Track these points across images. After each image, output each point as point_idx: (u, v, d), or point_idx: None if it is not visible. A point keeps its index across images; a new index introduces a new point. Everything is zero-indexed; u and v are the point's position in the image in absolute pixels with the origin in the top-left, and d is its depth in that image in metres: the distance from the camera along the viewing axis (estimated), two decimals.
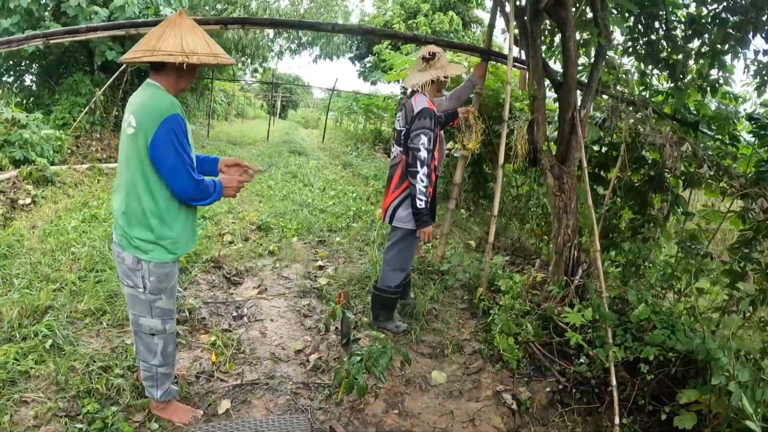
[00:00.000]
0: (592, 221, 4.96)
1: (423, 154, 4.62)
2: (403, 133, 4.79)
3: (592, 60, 5.54)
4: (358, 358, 3.89)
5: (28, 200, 8.15)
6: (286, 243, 7.74)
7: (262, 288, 6.17)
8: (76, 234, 6.87)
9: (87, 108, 12.44)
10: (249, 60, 20.00)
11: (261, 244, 7.56)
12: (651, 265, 5.77)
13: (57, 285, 5.44)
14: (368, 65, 22.81)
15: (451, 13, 19.89)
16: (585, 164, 5.22)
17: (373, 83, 23.06)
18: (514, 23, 5.56)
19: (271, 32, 19.42)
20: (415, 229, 4.84)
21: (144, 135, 3.06)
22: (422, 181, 4.66)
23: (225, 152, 16.62)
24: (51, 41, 5.91)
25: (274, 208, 9.59)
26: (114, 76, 12.92)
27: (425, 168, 4.66)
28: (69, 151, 11.21)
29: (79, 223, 7.36)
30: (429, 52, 4.84)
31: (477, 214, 9.98)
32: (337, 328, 5.18)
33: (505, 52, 5.91)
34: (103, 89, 12.80)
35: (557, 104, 5.55)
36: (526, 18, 5.31)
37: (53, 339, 4.41)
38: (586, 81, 5.53)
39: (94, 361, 4.23)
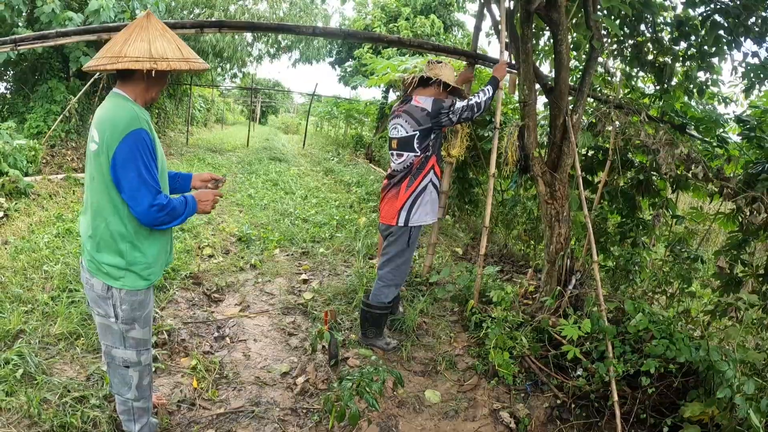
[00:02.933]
0: (588, 230, 4.87)
1: (474, 107, 4.71)
2: (416, 137, 4.75)
3: (584, 63, 5.49)
4: (349, 383, 3.69)
5: (0, 214, 7.85)
6: (269, 255, 7.55)
7: (244, 305, 5.97)
8: (49, 250, 6.61)
9: (62, 116, 12.17)
10: (227, 64, 19.76)
11: (242, 257, 7.37)
12: (640, 269, 5.69)
13: (29, 307, 5.19)
14: (349, 70, 22.66)
15: (432, 16, 19.74)
16: (579, 171, 5.13)
17: (354, 88, 22.91)
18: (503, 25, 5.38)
19: (249, 36, 19.19)
20: (431, 222, 5.00)
21: (106, 152, 2.76)
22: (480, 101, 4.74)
23: (204, 159, 16.42)
24: (20, 47, 5.66)
25: (255, 218, 9.41)
26: (89, 83, 12.67)
27: (482, 106, 4.75)
28: (44, 161, 10.93)
29: (52, 238, 7.10)
30: (436, 60, 4.93)
31: (462, 220, 9.84)
32: (324, 347, 4.99)
33: (491, 55, 5.79)
34: (77, 96, 12.54)
35: (547, 109, 5.52)
36: (515, 20, 5.27)
37: (24, 367, 4.17)
38: (577, 85, 5.43)
39: (69, 391, 3.99)
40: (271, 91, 41.19)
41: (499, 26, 5.27)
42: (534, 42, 6.13)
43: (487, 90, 4.82)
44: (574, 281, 5.14)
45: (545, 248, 5.38)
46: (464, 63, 6.57)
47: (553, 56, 5.20)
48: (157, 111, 19.62)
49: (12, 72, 13.80)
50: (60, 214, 8.34)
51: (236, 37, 18.12)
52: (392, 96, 18.94)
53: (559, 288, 5.02)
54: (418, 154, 4.77)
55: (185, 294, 6.06)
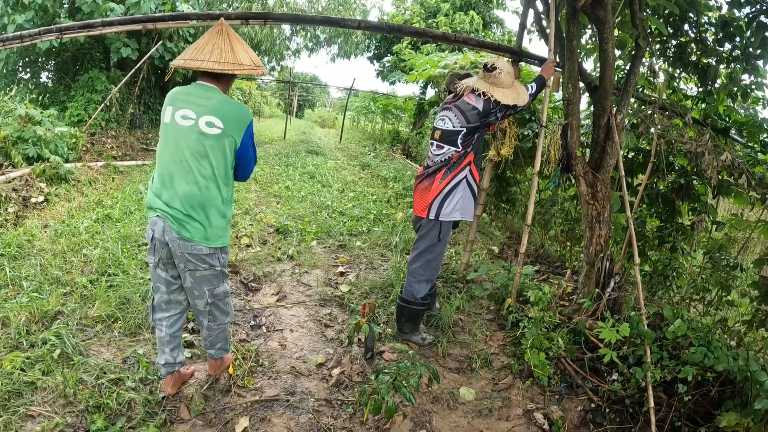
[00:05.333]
0: (630, 232, 4.84)
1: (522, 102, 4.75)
2: (462, 133, 4.68)
3: (628, 62, 5.40)
4: (387, 377, 3.64)
5: (41, 198, 7.93)
6: (306, 247, 7.50)
7: (281, 295, 5.92)
8: (89, 235, 6.64)
9: (102, 105, 12.29)
10: (265, 58, 19.77)
11: (279, 248, 7.32)
12: (678, 275, 5.59)
13: (67, 289, 5.21)
14: (387, 65, 22.52)
15: (471, 12, 19.49)
16: (622, 172, 5.04)
17: (392, 83, 22.79)
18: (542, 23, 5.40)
19: (287, 29, 19.20)
20: (468, 219, 4.92)
21: (232, 137, 3.44)
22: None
23: None
24: (65, 36, 5.64)
25: (292, 209, 9.37)
26: (130, 74, 12.77)
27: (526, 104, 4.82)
28: (84, 149, 11.02)
29: (91, 223, 7.14)
30: (492, 65, 4.73)
31: (498, 219, 9.71)
32: (360, 340, 4.94)
33: (532, 52, 5.74)
34: (119, 86, 12.66)
35: (589, 108, 5.44)
36: (559, 18, 5.19)
37: (62, 348, 4.17)
38: (621, 84, 5.32)
39: (105, 373, 3.99)
40: (308, 85, 41.27)
41: (544, 23, 5.24)
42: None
43: (531, 87, 4.81)
44: (612, 284, 5.01)
45: (584, 249, 5.30)
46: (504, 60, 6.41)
47: (598, 54, 5.12)
48: None
49: (53, 62, 13.94)
50: (100, 200, 8.40)
51: (275, 30, 18.15)
52: (430, 92, 18.83)
53: (597, 290, 4.93)
54: (459, 149, 4.71)
55: None
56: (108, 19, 5.66)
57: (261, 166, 13.93)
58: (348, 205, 10.19)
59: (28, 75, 13.79)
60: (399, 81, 19.81)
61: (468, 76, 5.79)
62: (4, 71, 12.90)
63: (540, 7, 5.73)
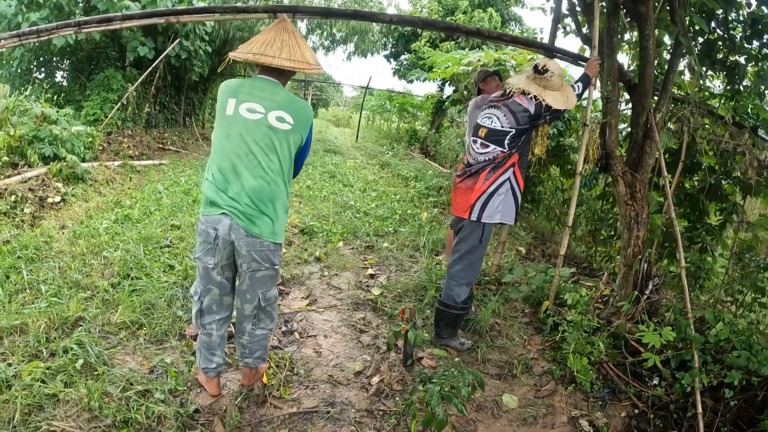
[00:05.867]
0: (675, 233, 4.86)
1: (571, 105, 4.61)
2: (510, 134, 4.53)
3: (667, 60, 5.37)
4: (436, 387, 3.43)
5: (58, 198, 7.71)
6: (332, 248, 7.23)
7: (311, 299, 5.66)
8: (108, 236, 6.38)
9: (119, 104, 12.13)
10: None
11: (306, 249, 7.05)
12: (707, 276, 5.60)
13: (88, 293, 4.96)
14: (404, 63, 22.29)
15: (490, 9, 19.24)
16: (665, 173, 5.06)
17: (410, 82, 22.58)
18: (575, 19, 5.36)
19: (303, 27, 18.95)
20: (509, 222, 4.78)
21: (300, 133, 3.43)
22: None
23: None
24: (83, 30, 5.43)
25: (316, 209, 9.10)
26: (147, 72, 12.62)
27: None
28: (100, 148, 10.83)
29: (110, 224, 6.89)
30: (544, 67, 4.53)
31: (522, 218, 9.49)
32: (397, 346, 4.69)
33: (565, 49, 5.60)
34: (135, 85, 12.52)
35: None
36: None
37: (85, 357, 3.90)
38: (659, 82, 5.26)
39: (131, 384, 3.72)
40: (322, 84, 41.10)
41: (579, 18, 5.18)
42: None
43: (578, 87, 4.67)
44: (651, 286, 4.95)
45: (622, 251, 5.20)
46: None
47: (636, 52, 5.11)
48: (210, 102, 19.55)
49: (68, 61, 13.81)
50: (118, 201, 8.17)
51: None
52: (447, 90, 18.62)
53: (636, 293, 4.86)
54: (505, 150, 4.55)
55: None
56: (128, 12, 5.44)
57: None
58: (371, 204, 9.95)
59: (43, 74, 13.63)
60: (418, 79, 19.55)
61: (496, 73, 6.04)
62: (19, 70, 12.73)
63: (564, 3, 5.81)
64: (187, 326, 4.62)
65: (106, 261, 5.69)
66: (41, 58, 13.03)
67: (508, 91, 4.62)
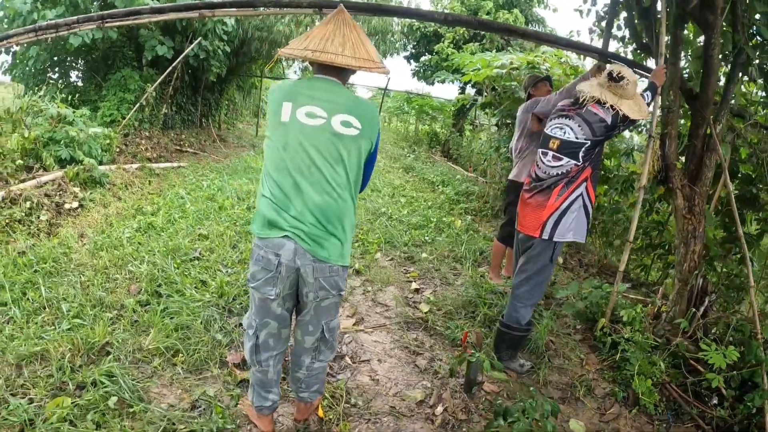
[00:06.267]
0: (743, 248, 4.84)
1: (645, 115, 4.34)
2: (586, 146, 4.22)
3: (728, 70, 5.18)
4: (518, 422, 3.24)
5: (75, 204, 7.26)
6: (371, 259, 6.74)
7: (357, 317, 5.19)
8: (132, 247, 5.91)
9: (138, 105, 11.75)
10: None
11: None
12: (746, 287, 5.36)
13: (114, 313, 4.48)
14: (425, 64, 21.85)
15: (515, 11, 18.78)
16: (731, 187, 4.98)
17: (431, 84, 22.14)
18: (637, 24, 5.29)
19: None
20: (580, 241, 4.49)
21: (368, 139, 2.97)
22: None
23: None
24: (107, 24, 5.01)
25: None
26: (166, 72, 12.28)
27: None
28: (117, 150, 10.42)
29: (133, 233, 6.43)
30: (619, 74, 4.22)
31: None
32: (460, 372, 4.31)
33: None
34: (155, 85, 12.19)
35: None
36: (654, 19, 5.04)
37: (117, 392, 3.41)
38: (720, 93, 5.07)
39: (173, 424, 3.25)
40: None
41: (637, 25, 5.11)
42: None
43: (647, 96, 4.42)
44: (707, 302, 4.73)
45: (677, 266, 5.03)
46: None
47: (703, 60, 4.85)
48: (227, 103, 19.19)
49: (83, 61, 13.47)
50: (139, 207, 7.71)
51: (309, 28, 17.47)
52: (470, 92, 18.22)
53: (693, 310, 4.68)
54: (579, 163, 4.23)
55: None
56: (158, 5, 5.01)
57: None
58: (403, 211, 9.49)
59: (57, 74, 13.27)
60: (444, 81, 19.09)
61: (547, 78, 6.10)
62: (33, 70, 12.37)
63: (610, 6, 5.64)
64: (228, 352, 4.14)
65: (131, 275, 5.23)
66: (55, 58, 12.68)
67: (582, 99, 4.29)
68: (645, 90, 4.45)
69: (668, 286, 5.96)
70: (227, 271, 5.62)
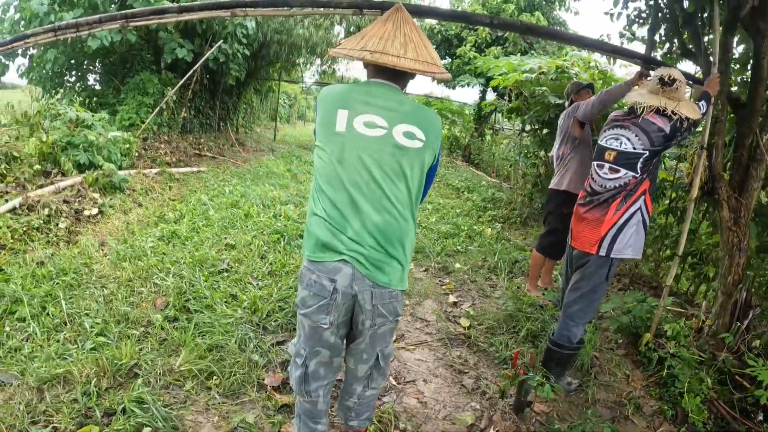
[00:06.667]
0: None
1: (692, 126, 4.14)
2: (644, 157, 4.03)
3: None
4: None
5: (95, 211, 7.00)
6: None
7: (398, 334, 4.89)
8: (156, 258, 5.63)
9: (158, 108, 11.58)
10: (318, 60, 19.00)
11: None
12: None
13: (140, 330, 4.19)
14: (447, 68, 21.65)
15: (537, 13, 18.53)
16: None
17: (451, 87, 21.97)
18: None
19: (342, 32, 18.31)
20: (637, 257, 4.28)
21: (432, 151, 2.66)
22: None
23: (300, 157, 15.78)
24: (131, 23, 4.73)
25: None
26: (187, 75, 12.15)
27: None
28: (136, 155, 10.20)
29: (156, 242, 6.16)
30: (670, 77, 4.08)
31: None
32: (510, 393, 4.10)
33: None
34: (176, 89, 12.07)
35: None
36: (698, 25, 5.00)
37: (149, 420, 3.11)
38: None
39: None
40: None
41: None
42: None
43: (702, 105, 4.24)
44: (751, 316, 4.65)
45: (720, 279, 4.93)
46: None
47: (751, 69, 4.82)
48: (244, 106, 19.00)
49: (101, 64, 13.41)
50: (161, 214, 7.45)
51: (329, 32, 17.24)
52: (490, 95, 18.04)
53: (738, 324, 4.60)
54: (637, 175, 4.04)
55: None
56: (186, 4, 4.75)
57: None
58: (431, 219, 9.24)
59: (75, 78, 13.18)
60: (468, 85, 18.87)
61: (590, 86, 6.00)
62: (50, 73, 12.23)
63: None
64: (266, 374, 3.83)
65: (156, 288, 4.94)
66: (73, 61, 12.58)
67: (638, 108, 4.09)
68: (699, 100, 4.28)
69: (710, 299, 5.90)
70: (258, 284, 5.33)
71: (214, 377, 3.69)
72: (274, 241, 6.63)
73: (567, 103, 6.13)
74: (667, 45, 5.89)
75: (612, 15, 6.22)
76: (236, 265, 5.72)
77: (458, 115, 21.33)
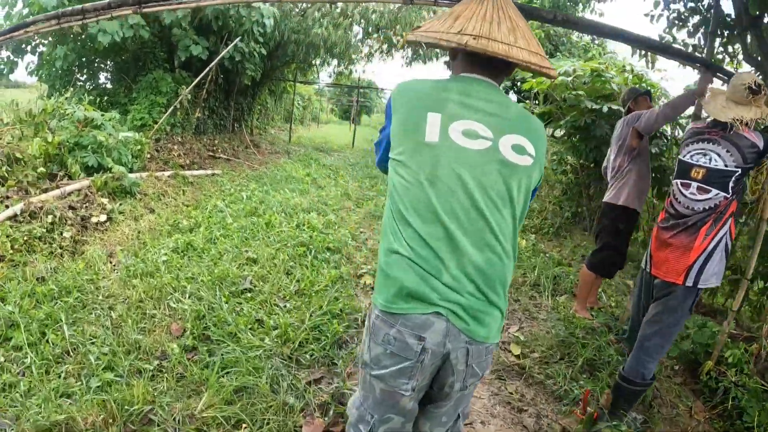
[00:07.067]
0: None
1: None
2: (736, 175, 3.71)
3: None
4: None
5: (103, 218, 6.48)
6: None
7: None
8: (171, 274, 5.08)
9: (171, 108, 11.17)
10: (335, 60, 18.54)
11: None
12: None
13: (154, 364, 3.63)
14: None
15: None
16: None
17: None
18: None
19: (360, 32, 17.85)
20: (718, 285, 3.92)
21: (540, 168, 2.07)
22: None
23: (318, 160, 15.39)
24: (144, 9, 4.26)
25: None
26: (203, 74, 11.74)
27: None
28: (148, 156, 9.74)
29: (170, 254, 5.61)
30: (756, 83, 3.76)
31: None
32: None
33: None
34: (190, 88, 11.66)
35: None
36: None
37: None
38: None
39: None
40: (365, 90, 40.48)
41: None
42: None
43: None
44: None
45: None
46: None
47: None
48: (259, 107, 18.58)
49: (112, 62, 13.09)
50: (175, 222, 6.91)
51: (348, 32, 16.75)
52: (512, 98, 17.64)
53: None
54: (729, 195, 3.71)
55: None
56: None
57: (345, 178, 12.76)
58: None
59: (85, 76, 12.89)
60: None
61: (647, 92, 5.70)
62: (60, 71, 11.87)
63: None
64: (303, 420, 3.27)
65: (171, 312, 4.40)
66: (83, 58, 12.22)
67: (737, 124, 3.71)
68: None
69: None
70: (285, 306, 4.78)
71: (244, 426, 3.12)
72: (299, 254, 6.11)
73: (624, 111, 5.78)
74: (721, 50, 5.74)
75: (652, 17, 6.04)
76: (260, 283, 5.17)
77: None
